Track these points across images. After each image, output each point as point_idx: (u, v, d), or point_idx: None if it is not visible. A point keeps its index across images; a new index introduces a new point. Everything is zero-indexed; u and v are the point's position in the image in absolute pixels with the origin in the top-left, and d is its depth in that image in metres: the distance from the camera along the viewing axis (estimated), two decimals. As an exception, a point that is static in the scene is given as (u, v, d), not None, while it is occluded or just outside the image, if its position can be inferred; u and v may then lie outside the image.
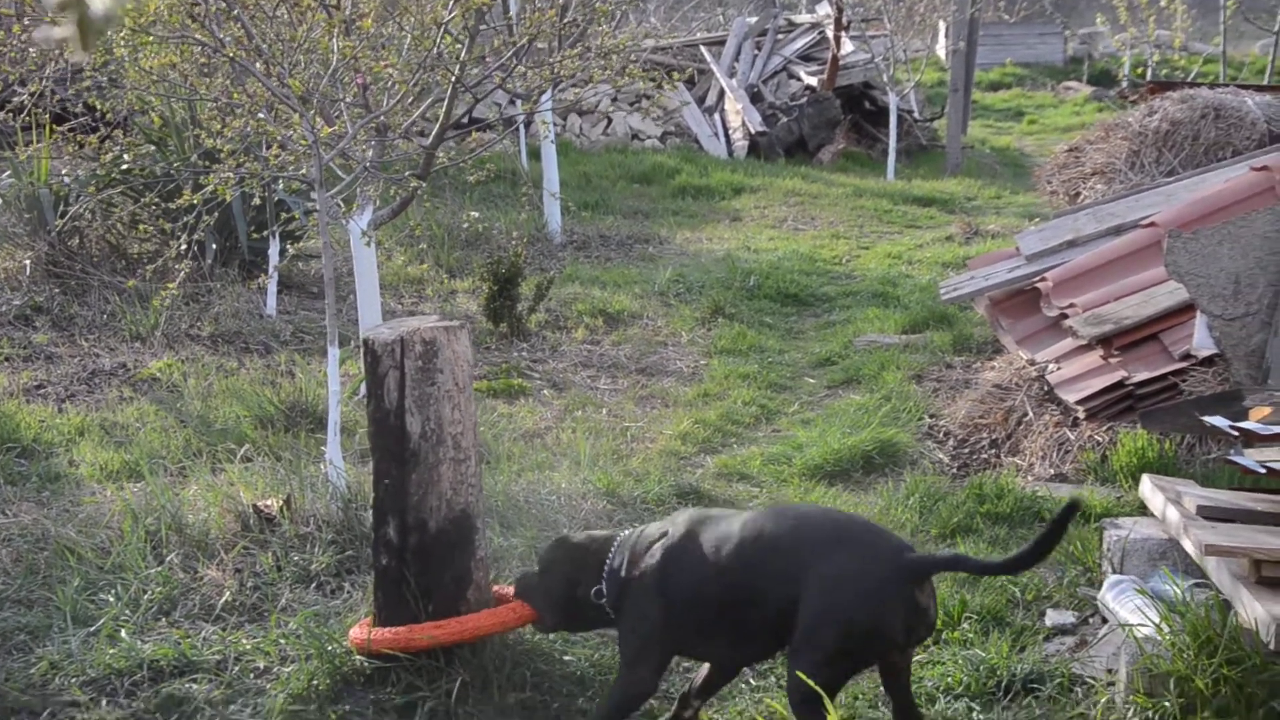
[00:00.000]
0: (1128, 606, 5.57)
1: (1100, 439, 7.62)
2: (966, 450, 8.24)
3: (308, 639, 5.64)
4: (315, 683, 5.41)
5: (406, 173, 8.55)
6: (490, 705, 5.35)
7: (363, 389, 9.23)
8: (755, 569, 4.83)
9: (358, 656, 5.48)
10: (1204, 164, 11.08)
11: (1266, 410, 5.32)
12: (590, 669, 5.65)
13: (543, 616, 5.37)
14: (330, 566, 6.45)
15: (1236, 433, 5.40)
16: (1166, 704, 4.83)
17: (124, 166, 11.74)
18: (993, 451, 8.14)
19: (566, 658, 5.70)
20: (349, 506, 6.77)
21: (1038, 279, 9.32)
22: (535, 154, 17.77)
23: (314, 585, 6.36)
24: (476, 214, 11.70)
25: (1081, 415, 7.75)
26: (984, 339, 10.50)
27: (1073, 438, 7.70)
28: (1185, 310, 8.04)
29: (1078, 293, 8.71)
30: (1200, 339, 7.61)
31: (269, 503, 6.85)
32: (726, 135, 22.60)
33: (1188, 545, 5.57)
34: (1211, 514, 5.66)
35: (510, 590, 5.59)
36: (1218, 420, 5.46)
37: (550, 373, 10.40)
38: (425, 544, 5.45)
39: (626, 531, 5.30)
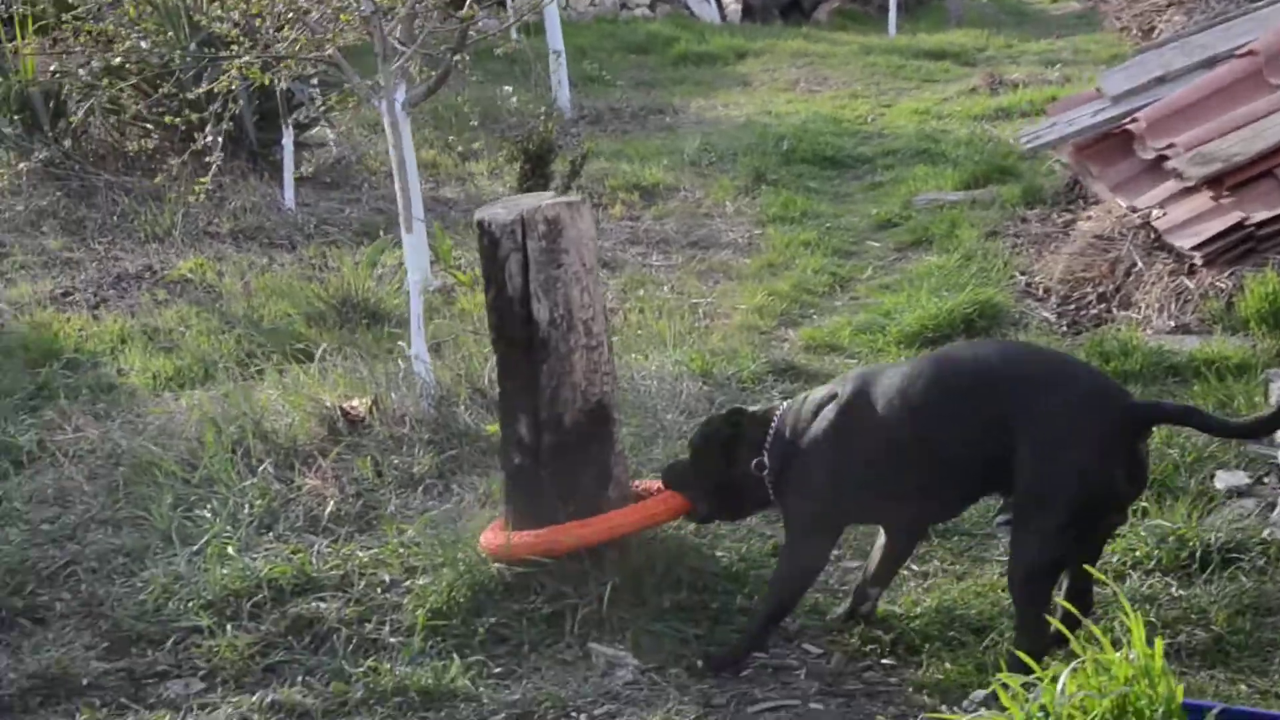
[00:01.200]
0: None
1: (1222, 285, 7.23)
2: (1072, 306, 7.84)
3: (436, 547, 5.24)
4: (454, 595, 5.00)
5: (443, 47, 8.05)
6: (645, 609, 4.97)
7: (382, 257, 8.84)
8: (954, 413, 4.39)
9: (493, 564, 5.06)
10: None
11: None
12: (743, 564, 5.27)
13: (696, 505, 4.99)
14: (433, 468, 6.08)
15: None
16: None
17: (117, 60, 11.11)
18: (1102, 306, 7.74)
19: (719, 553, 5.31)
20: (442, 403, 6.36)
21: (1128, 120, 8.87)
22: (525, 29, 17.12)
23: (420, 489, 5.99)
24: (509, 89, 11.15)
25: (1199, 261, 7.35)
26: (1055, 189, 10.09)
27: (1191, 286, 7.31)
28: (1300, 143, 7.62)
29: (1175, 131, 8.27)
30: (1333, 169, 7.20)
31: (355, 404, 6.43)
32: (719, 0, 21.95)
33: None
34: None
35: (651, 485, 5.19)
36: None
37: (602, 251, 9.92)
38: (562, 440, 5.04)
39: (787, 402, 4.88)
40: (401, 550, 5.41)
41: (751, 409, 4.96)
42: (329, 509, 5.75)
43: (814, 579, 4.84)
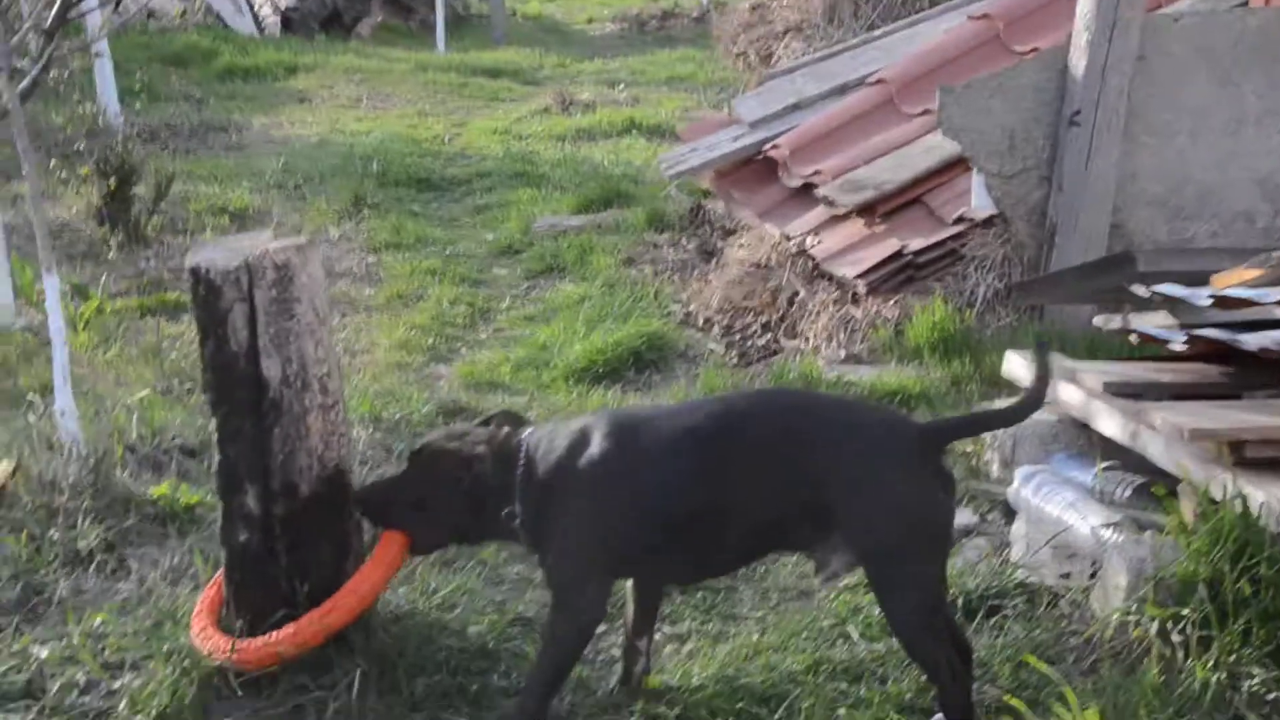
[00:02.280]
0: (1057, 502, 5.15)
1: (888, 314, 7.24)
2: (738, 336, 7.70)
3: (139, 638, 4.55)
4: (178, 697, 4.33)
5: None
6: (398, 698, 4.45)
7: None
8: (752, 468, 4.07)
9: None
10: (903, 15, 10.80)
11: (1253, 273, 4.94)
12: (494, 639, 4.79)
13: (418, 539, 4.44)
14: (101, 542, 5.33)
15: (1210, 302, 5.00)
16: (1186, 613, 4.38)
17: None
18: (769, 336, 7.63)
19: (471, 629, 4.81)
20: (100, 467, 5.60)
21: (769, 147, 8.83)
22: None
23: (90, 567, 5.23)
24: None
25: (862, 290, 7.34)
26: (679, 214, 9.97)
27: (859, 315, 7.28)
28: (945, 170, 7.76)
29: (818, 159, 8.28)
30: (979, 199, 7.32)
31: (-9, 472, 5.60)
32: (253, 11, 21.06)
33: (1106, 427, 5.22)
34: (1120, 390, 5.33)
35: None
36: (1178, 291, 5.06)
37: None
38: (296, 512, 4.47)
39: (527, 434, 4.38)
40: (91, 644, 4.65)
41: (456, 440, 4.41)
42: (-13, 598, 4.92)
43: (590, 635, 4.39)
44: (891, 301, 7.24)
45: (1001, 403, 5.88)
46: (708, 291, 8.20)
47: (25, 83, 7.07)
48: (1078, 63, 7.07)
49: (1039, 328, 7.11)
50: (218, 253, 4.41)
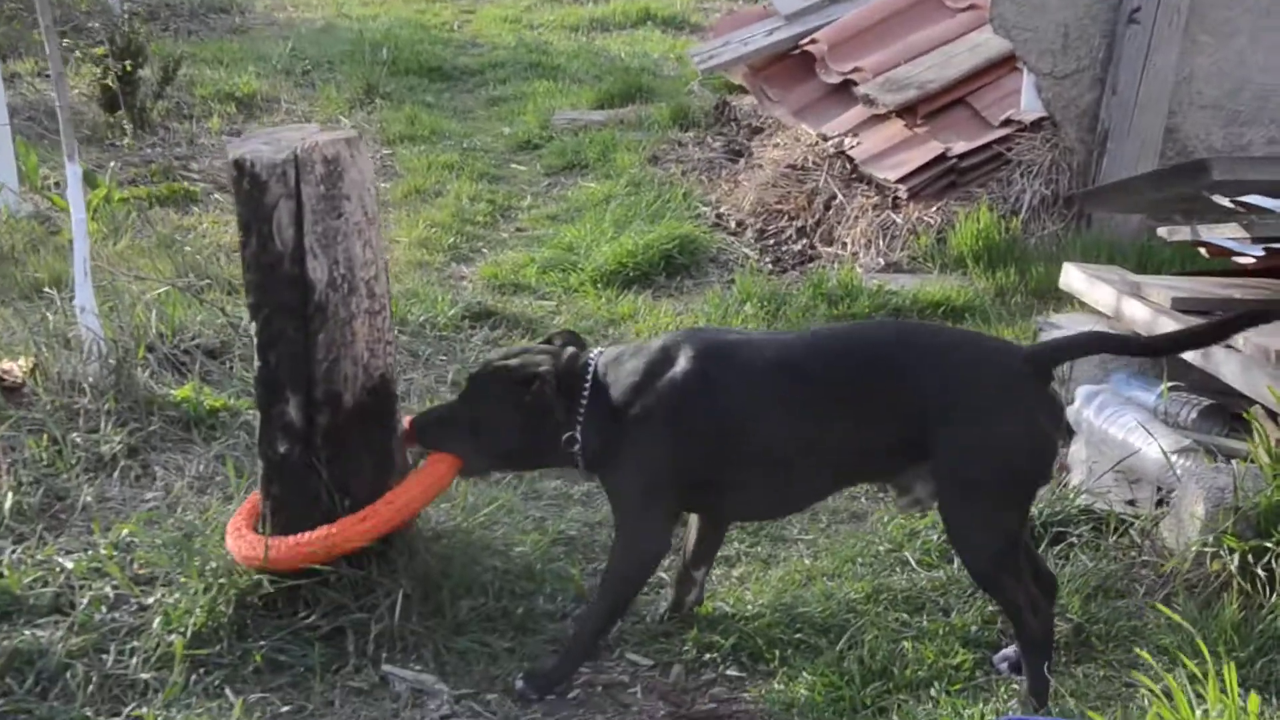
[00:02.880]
0: (1121, 424, 4.94)
1: (930, 220, 6.99)
2: (771, 241, 7.46)
3: (170, 552, 4.34)
4: (215, 614, 4.13)
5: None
6: (442, 622, 4.26)
7: (2, 199, 7.67)
8: (852, 395, 3.87)
9: (249, 572, 4.22)
10: None
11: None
12: (538, 560, 4.59)
13: (468, 461, 4.23)
14: (124, 447, 5.10)
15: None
16: (1270, 545, 4.18)
17: None
18: (804, 241, 7.39)
19: (516, 550, 4.60)
20: (121, 367, 5.36)
21: (806, 41, 8.54)
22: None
23: (115, 473, 5.01)
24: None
25: (903, 195, 7.09)
26: (703, 110, 9.68)
27: (899, 221, 7.04)
28: (990, 70, 7.51)
29: (859, 55, 8.00)
30: (1029, 101, 7.07)
31: (9, 367, 5.37)
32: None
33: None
34: (1190, 306, 5.13)
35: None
36: (1266, 202, 4.81)
37: (209, 172, 8.93)
38: (339, 423, 4.23)
39: (596, 353, 4.16)
40: (119, 556, 4.45)
41: (519, 359, 4.20)
42: (8, 503, 4.70)
43: (654, 568, 4.23)
44: (934, 208, 7.00)
45: (1075, 318, 5.66)
46: (739, 193, 7.94)
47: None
48: (1140, -44, 6.79)
49: (1086, 237, 6.87)
50: (262, 144, 4.15)
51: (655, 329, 6.44)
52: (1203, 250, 5.38)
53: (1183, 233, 5.56)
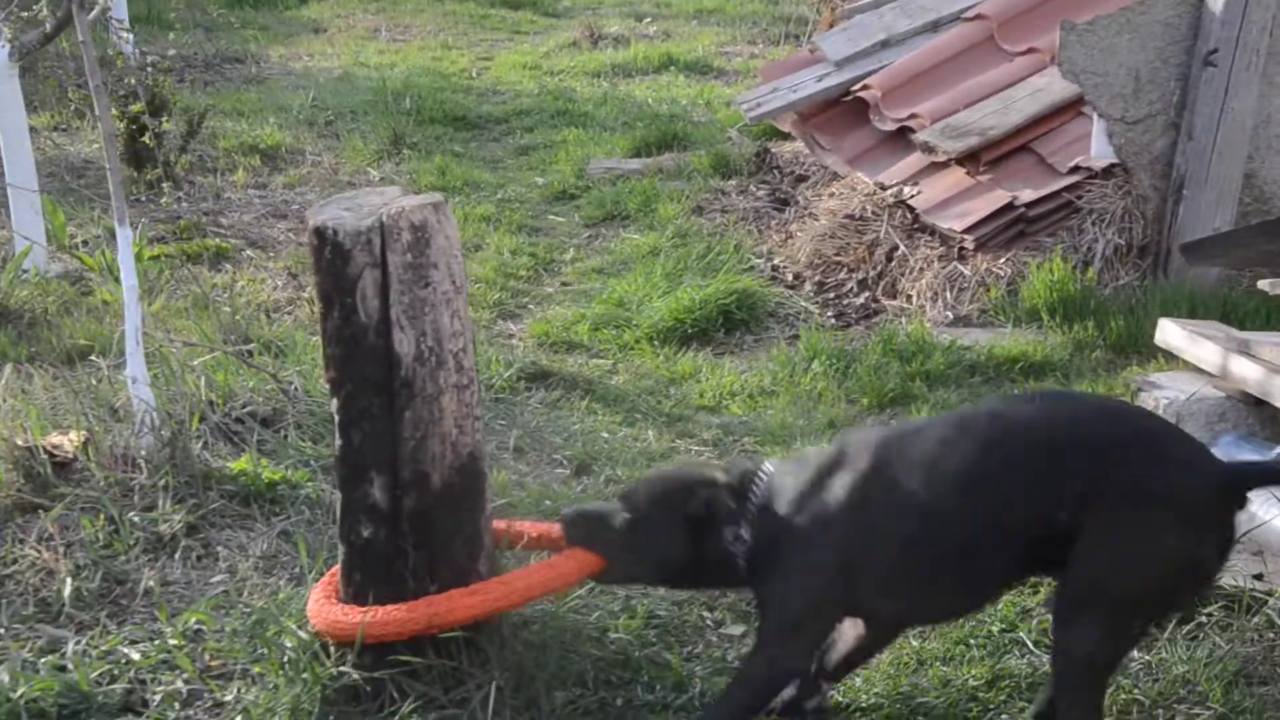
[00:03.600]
0: (1263, 497, 4.67)
1: (1000, 272, 6.76)
2: (831, 294, 7.22)
3: (246, 640, 4.09)
4: (300, 711, 3.87)
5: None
6: (537, 713, 3.99)
7: (31, 259, 7.44)
8: (1014, 484, 3.54)
9: (331, 664, 3.97)
10: None
11: None
12: (635, 647, 4.33)
13: (615, 564, 3.96)
14: (184, 525, 4.83)
15: None
16: None
17: None
18: (866, 294, 7.15)
19: (612, 636, 4.34)
20: (176, 440, 5.11)
21: (858, 87, 8.31)
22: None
23: (176, 554, 4.75)
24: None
25: (970, 245, 6.85)
26: (745, 158, 9.46)
27: (967, 272, 6.80)
28: (1054, 115, 7.28)
29: (914, 101, 7.78)
30: (1099, 147, 6.84)
31: (58, 441, 5.11)
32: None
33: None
34: (1306, 367, 4.87)
35: (528, 526, 4.21)
36: None
37: (240, 227, 8.70)
38: (427, 504, 3.99)
39: (768, 465, 3.92)
40: (189, 646, 4.19)
41: (692, 470, 4.01)
42: (67, 589, 4.44)
43: (784, 687, 3.94)
44: (1002, 259, 6.77)
45: (1176, 376, 5.42)
46: (793, 244, 7.71)
47: (33, 37, 6.64)
48: (1216, -4, 6.58)
49: (1164, 288, 6.64)
50: (343, 210, 3.92)
51: (719, 389, 6.21)
52: (1314, 306, 5.14)
53: (1290, 287, 5.33)
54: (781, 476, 3.81)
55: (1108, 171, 6.86)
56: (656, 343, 6.74)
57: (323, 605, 4.01)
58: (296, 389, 5.81)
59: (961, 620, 4.44)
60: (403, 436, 3.93)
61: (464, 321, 4.00)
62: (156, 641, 4.27)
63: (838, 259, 7.39)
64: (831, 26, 10.60)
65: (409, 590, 4.00)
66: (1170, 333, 5.48)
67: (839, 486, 3.66)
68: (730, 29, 15.25)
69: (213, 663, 4.20)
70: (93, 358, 5.83)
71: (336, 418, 3.99)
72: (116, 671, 4.13)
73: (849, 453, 3.72)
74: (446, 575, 4.03)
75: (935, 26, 8.64)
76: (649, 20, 15.90)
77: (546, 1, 17.48)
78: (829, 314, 7.05)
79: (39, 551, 4.64)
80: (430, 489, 3.98)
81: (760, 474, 3.85)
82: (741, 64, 13.56)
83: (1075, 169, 6.94)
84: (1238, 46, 6.57)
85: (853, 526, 3.64)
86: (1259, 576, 4.49)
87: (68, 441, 5.12)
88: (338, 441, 4.00)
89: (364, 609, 3.92)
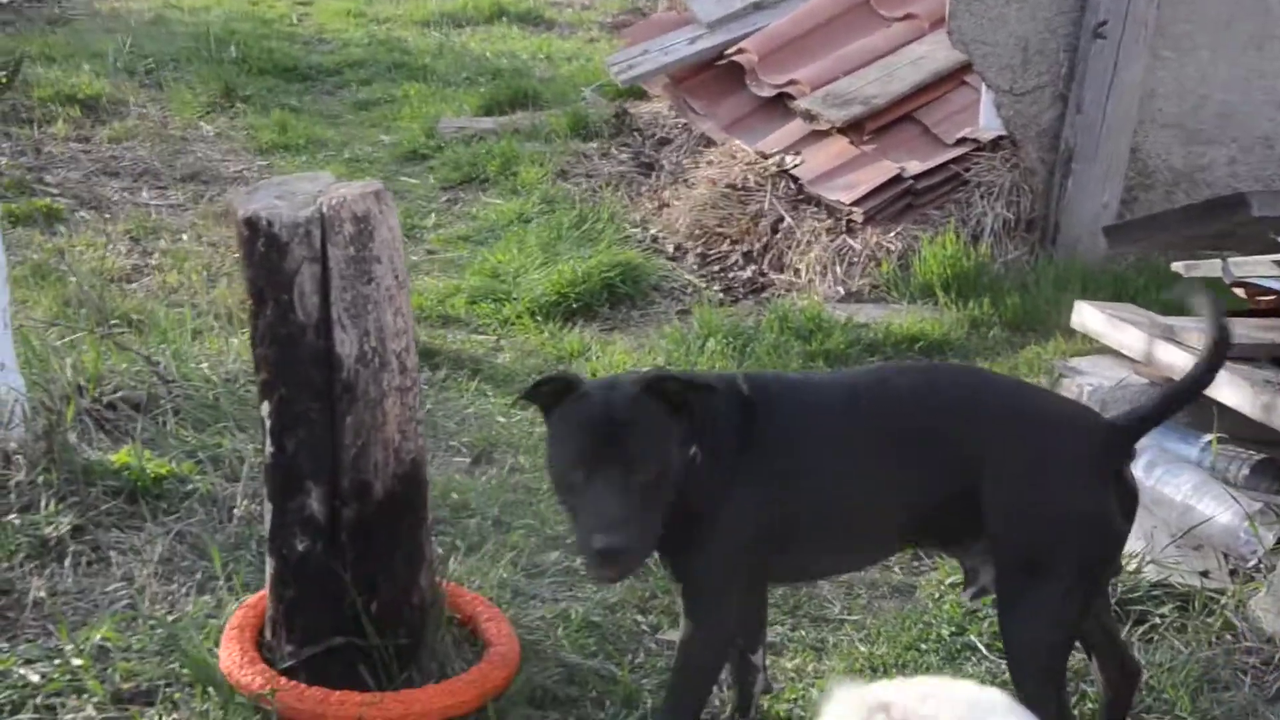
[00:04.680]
0: (1178, 485, 4.65)
1: (890, 246, 6.66)
2: (716, 268, 7.05)
3: (158, 660, 3.81)
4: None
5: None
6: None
7: None
8: (915, 442, 3.44)
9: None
10: None
11: None
12: (578, 656, 4.14)
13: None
14: (71, 528, 4.49)
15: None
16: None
17: None
18: (753, 267, 6.99)
19: (548, 646, 4.15)
20: (52, 433, 4.75)
21: (732, 51, 8.13)
22: None
23: (65, 560, 4.41)
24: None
25: (859, 219, 6.73)
26: (603, 120, 9.23)
27: (857, 246, 6.68)
28: (937, 85, 7.21)
29: (792, 66, 7.64)
30: (988, 119, 6.78)
31: (-80, 437, 4.73)
32: None
33: (1230, 397, 4.74)
34: (1234, 351, 4.83)
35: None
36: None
37: (69, 185, 8.21)
38: (368, 514, 3.74)
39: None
40: (96, 666, 3.88)
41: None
42: (-54, 597, 4.10)
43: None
44: (892, 232, 6.67)
45: (1098, 361, 5.37)
46: (671, 214, 7.51)
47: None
48: (1105, -34, 6.53)
49: (1056, 264, 6.62)
50: (274, 198, 3.63)
51: (612, 367, 6.01)
52: (1240, 291, 5.12)
53: (1202, 268, 5.30)
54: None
55: (995, 144, 6.81)
56: (539, 318, 6.51)
57: (238, 665, 3.74)
58: (169, 371, 5.46)
59: (907, 624, 4.34)
60: (344, 444, 3.67)
61: (406, 319, 3.75)
62: (58, 661, 3.92)
63: (720, 230, 7.22)
64: (690, -17, 10.40)
65: (345, 607, 3.75)
66: (1089, 316, 5.42)
67: (749, 435, 3.46)
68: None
69: (124, 685, 3.87)
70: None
71: (267, 423, 3.70)
72: (17, 698, 3.79)
73: (745, 389, 3.50)
74: (386, 590, 3.80)
75: (808, -11, 8.50)
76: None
77: (365, -56, 16.96)
78: (715, 288, 6.88)
79: (-90, 557, 4.25)
80: (372, 498, 3.73)
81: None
82: (574, 15, 13.32)
83: (962, 140, 6.87)
84: (1127, 18, 6.54)
85: (770, 481, 3.46)
86: (1205, 573, 4.45)
87: (-65, 436, 4.72)
88: (268, 448, 3.72)
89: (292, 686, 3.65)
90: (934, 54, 7.17)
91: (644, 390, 3.29)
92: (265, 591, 3.89)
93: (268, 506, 3.77)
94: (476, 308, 6.62)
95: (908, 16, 7.70)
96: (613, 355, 6.13)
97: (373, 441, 3.68)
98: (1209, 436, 4.83)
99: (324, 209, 3.55)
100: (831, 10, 8.01)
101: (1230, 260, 5.09)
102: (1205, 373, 3.61)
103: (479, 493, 4.98)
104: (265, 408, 3.70)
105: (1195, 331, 4.98)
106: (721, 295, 6.80)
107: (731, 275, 6.95)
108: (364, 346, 3.62)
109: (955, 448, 3.44)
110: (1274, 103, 6.89)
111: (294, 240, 3.53)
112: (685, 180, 7.77)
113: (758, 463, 3.45)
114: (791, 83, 7.55)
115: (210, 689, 3.70)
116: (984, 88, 6.76)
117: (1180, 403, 3.79)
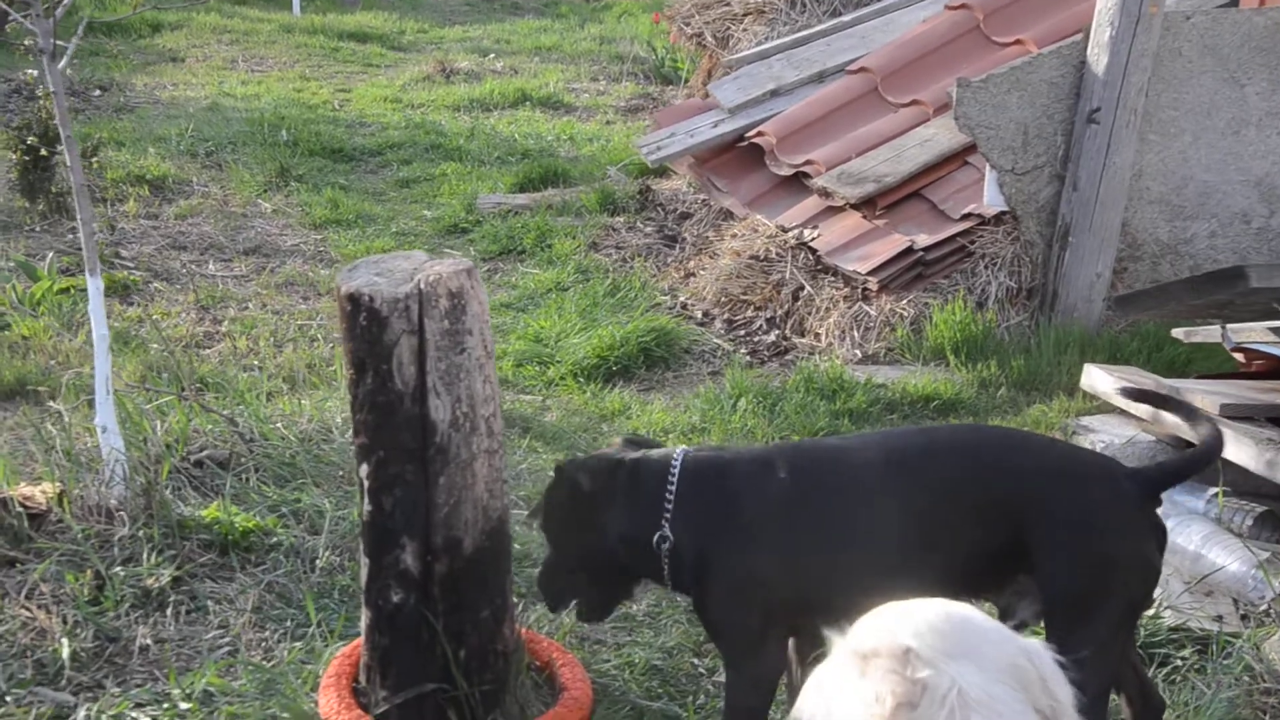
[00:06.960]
0: (1189, 535, 4.59)
1: (904, 312, 6.61)
2: (742, 332, 7.00)
3: (258, 704, 3.72)
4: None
5: None
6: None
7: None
8: (944, 503, 3.37)
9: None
10: (870, 1, 10.06)
11: None
12: (644, 699, 4.05)
13: (583, 603, 3.76)
14: (172, 580, 4.41)
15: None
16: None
17: None
18: (776, 332, 6.94)
19: (617, 688, 4.06)
20: (150, 490, 4.68)
21: (753, 133, 8.10)
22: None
23: (167, 609, 4.33)
24: None
25: (874, 287, 6.69)
26: (627, 196, 9.18)
27: (872, 312, 6.63)
28: (942, 164, 7.16)
29: (808, 148, 7.60)
30: (991, 196, 6.73)
31: (29, 492, 4.64)
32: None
33: (1235, 454, 4.67)
34: (1237, 412, 4.80)
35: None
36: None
37: (141, 259, 8.14)
38: (458, 570, 3.67)
39: (681, 450, 3.57)
40: (203, 711, 3.80)
41: (596, 460, 3.68)
42: (65, 650, 4.00)
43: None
44: (905, 300, 6.62)
45: (1108, 420, 5.31)
46: (698, 282, 7.47)
47: None
48: (1098, 59, 6.50)
49: (1055, 328, 6.57)
50: (374, 275, 3.57)
51: (652, 425, 5.94)
52: (1239, 356, 5.07)
53: (1200, 334, 5.25)
54: (700, 468, 3.51)
55: (998, 218, 6.77)
56: (581, 379, 6.44)
57: (338, 709, 3.66)
58: (249, 430, 5.39)
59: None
60: (436, 503, 3.60)
61: (493, 386, 3.68)
62: (166, 705, 3.85)
63: (744, 298, 7.17)
64: (710, 72, 10.41)
65: (436, 657, 3.67)
66: (1097, 379, 5.37)
67: (772, 486, 3.41)
68: (572, 66, 14.96)
69: (228, 736, 3.79)
70: (53, 404, 5.30)
71: (365, 483, 3.64)
72: (129, 748, 3.70)
73: (769, 456, 3.47)
74: (474, 640, 3.73)
75: (821, 77, 8.47)
76: (494, 56, 15.54)
77: (390, 36, 17.00)
78: (742, 351, 6.82)
79: (29, 610, 4.16)
80: (462, 553, 3.66)
81: (670, 456, 3.53)
82: (590, 100, 13.29)
83: (967, 215, 6.83)
84: (1118, 105, 6.52)
85: (796, 534, 3.39)
86: (1218, 618, 4.38)
87: (40, 493, 4.65)
88: (366, 507, 3.65)
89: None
90: (939, 136, 7.14)
91: None
92: (360, 640, 3.80)
93: (364, 560, 3.69)
94: (523, 370, 6.55)
95: (914, 103, 7.67)
96: (651, 414, 6.06)
97: (464, 500, 3.62)
98: (1214, 490, 4.76)
99: (421, 285, 3.49)
100: (843, 97, 7.98)
101: (1229, 327, 5.04)
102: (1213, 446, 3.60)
103: (538, 544, 4.88)
104: (364, 469, 3.63)
105: (1200, 394, 4.93)
106: (748, 358, 6.75)
107: (757, 339, 6.90)
108: (456, 412, 3.55)
109: (996, 501, 3.37)
110: (1249, 183, 6.85)
111: (393, 314, 3.47)
112: (709, 251, 7.73)
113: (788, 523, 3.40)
114: (808, 162, 7.51)
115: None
116: (987, 167, 6.73)
117: (1205, 463, 3.74)
